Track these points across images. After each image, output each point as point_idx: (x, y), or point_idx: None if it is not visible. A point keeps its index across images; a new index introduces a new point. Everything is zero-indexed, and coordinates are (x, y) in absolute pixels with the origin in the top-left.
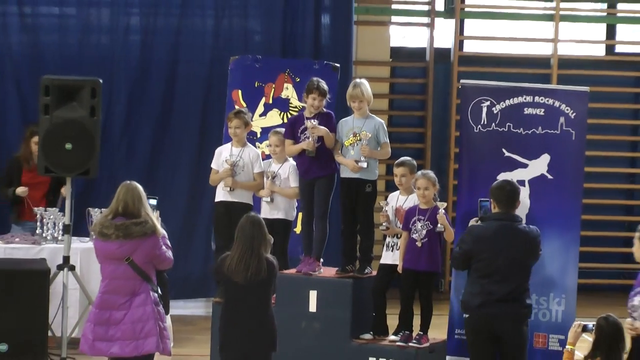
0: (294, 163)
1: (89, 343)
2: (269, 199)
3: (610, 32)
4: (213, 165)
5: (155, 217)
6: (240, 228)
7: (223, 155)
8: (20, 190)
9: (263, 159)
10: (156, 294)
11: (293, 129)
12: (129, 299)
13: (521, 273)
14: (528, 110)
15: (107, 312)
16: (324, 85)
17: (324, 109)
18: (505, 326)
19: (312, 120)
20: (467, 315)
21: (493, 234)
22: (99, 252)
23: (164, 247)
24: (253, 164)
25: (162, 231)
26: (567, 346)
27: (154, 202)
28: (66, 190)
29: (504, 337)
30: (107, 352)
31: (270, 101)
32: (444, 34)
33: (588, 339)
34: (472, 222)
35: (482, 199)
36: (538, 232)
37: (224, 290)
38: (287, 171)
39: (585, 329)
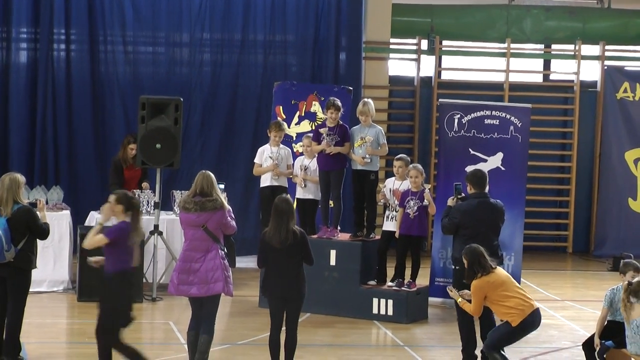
0: None
1: (174, 286)
2: (303, 185)
3: (547, 65)
4: (256, 160)
5: (223, 197)
6: (275, 206)
7: (265, 153)
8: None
9: (296, 156)
10: (223, 252)
11: (318, 135)
12: (204, 254)
13: (495, 235)
14: (487, 121)
15: (188, 264)
16: (338, 102)
17: (340, 121)
18: None
19: (325, 130)
20: (457, 267)
21: (475, 208)
22: (183, 221)
23: (229, 218)
24: (287, 159)
25: (228, 207)
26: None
27: (222, 186)
28: (158, 178)
29: None
30: (188, 292)
31: (303, 114)
32: (427, 66)
33: None
34: (450, 200)
35: (455, 183)
36: (502, 204)
37: (266, 253)
38: (315, 164)
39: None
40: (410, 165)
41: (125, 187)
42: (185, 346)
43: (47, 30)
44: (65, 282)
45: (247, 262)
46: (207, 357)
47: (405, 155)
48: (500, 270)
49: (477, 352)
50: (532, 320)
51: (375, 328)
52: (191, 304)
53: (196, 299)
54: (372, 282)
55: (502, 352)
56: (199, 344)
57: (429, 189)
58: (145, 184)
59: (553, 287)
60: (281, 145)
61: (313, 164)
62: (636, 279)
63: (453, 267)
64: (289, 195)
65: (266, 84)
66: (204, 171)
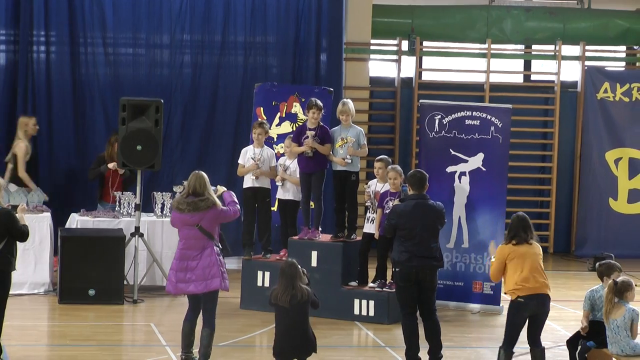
0: None
1: (173, 285)
2: (280, 183)
3: (527, 66)
4: (240, 161)
5: (215, 195)
6: (282, 269)
7: (248, 154)
8: (112, 164)
9: (278, 157)
10: (218, 248)
11: (299, 136)
12: (200, 252)
13: (433, 236)
14: (468, 122)
15: (185, 262)
16: (320, 103)
17: (321, 123)
18: (425, 274)
19: (311, 132)
20: (397, 269)
21: (411, 210)
22: (177, 221)
23: (224, 208)
24: (270, 160)
25: (229, 191)
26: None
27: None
28: (138, 180)
29: (424, 282)
30: (186, 290)
31: (284, 115)
32: (408, 67)
33: None
34: (395, 201)
35: (403, 185)
36: (442, 206)
37: (276, 312)
38: (295, 165)
39: None
40: (389, 167)
41: (105, 184)
42: (167, 348)
43: (27, 32)
44: (46, 284)
45: (227, 264)
46: (210, 350)
47: (386, 157)
48: (532, 247)
49: (422, 355)
50: (525, 303)
51: (356, 329)
52: (189, 299)
53: (194, 296)
54: (354, 283)
55: (507, 348)
56: (201, 338)
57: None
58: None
59: None
60: (265, 146)
61: (293, 165)
62: (620, 278)
63: (393, 269)
64: (294, 260)
65: (247, 86)
66: (196, 171)
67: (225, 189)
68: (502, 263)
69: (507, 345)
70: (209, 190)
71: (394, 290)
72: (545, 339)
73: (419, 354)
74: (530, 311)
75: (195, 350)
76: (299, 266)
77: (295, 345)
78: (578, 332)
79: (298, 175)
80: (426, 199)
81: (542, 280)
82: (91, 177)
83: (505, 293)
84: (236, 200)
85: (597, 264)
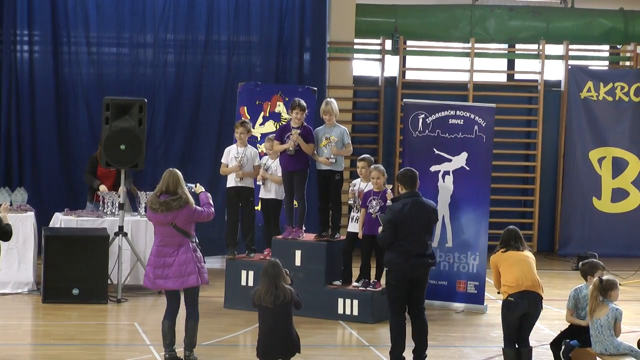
0: None
1: (151, 280)
2: (262, 182)
3: (511, 65)
4: (223, 160)
5: (190, 192)
6: (265, 270)
7: (231, 153)
8: (102, 187)
9: (261, 157)
10: (194, 244)
11: (282, 134)
12: (176, 249)
13: (428, 234)
14: (452, 121)
15: (162, 259)
16: (303, 103)
17: (304, 123)
18: (420, 273)
19: (296, 130)
20: (391, 269)
21: (409, 208)
22: (152, 220)
23: (199, 209)
24: (253, 159)
25: (207, 193)
26: None
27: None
28: (122, 180)
29: (416, 281)
30: (164, 286)
31: (267, 114)
32: (391, 66)
33: None
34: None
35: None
36: (434, 203)
37: (259, 312)
38: (277, 164)
39: None
40: (372, 167)
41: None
42: (151, 347)
43: (10, 31)
44: (30, 283)
45: (211, 263)
46: (196, 341)
47: (368, 156)
48: (522, 254)
49: (406, 354)
50: (516, 302)
51: (340, 328)
52: (166, 296)
53: (172, 291)
54: (337, 283)
55: (513, 345)
56: (186, 329)
57: (391, 189)
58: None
59: None
60: (248, 146)
61: (275, 164)
62: (606, 277)
63: (387, 269)
64: (277, 260)
65: (230, 85)
66: (170, 169)
67: (203, 189)
68: (496, 271)
69: (508, 344)
70: (182, 187)
71: (379, 289)
72: (529, 338)
73: (403, 354)
74: (522, 310)
75: (179, 349)
76: (282, 266)
77: (279, 346)
78: (560, 334)
79: (280, 174)
80: (420, 196)
81: (534, 279)
82: (87, 182)
83: (498, 292)
84: (212, 203)
85: (581, 263)
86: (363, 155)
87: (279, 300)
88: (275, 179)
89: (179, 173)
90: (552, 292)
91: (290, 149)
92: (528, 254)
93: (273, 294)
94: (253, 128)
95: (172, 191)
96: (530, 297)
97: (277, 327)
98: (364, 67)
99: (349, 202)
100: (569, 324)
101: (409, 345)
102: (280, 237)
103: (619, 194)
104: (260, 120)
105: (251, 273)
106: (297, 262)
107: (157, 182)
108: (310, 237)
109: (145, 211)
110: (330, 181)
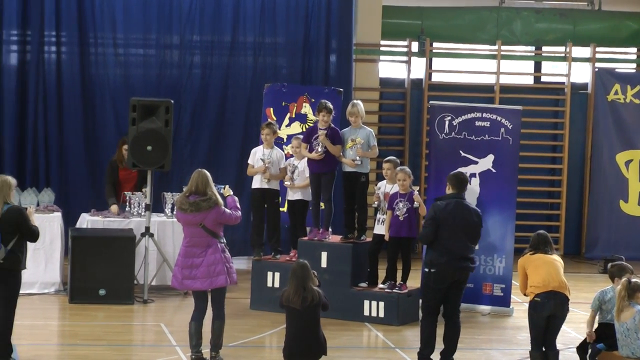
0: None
1: (179, 281)
2: (289, 183)
3: (537, 67)
4: (249, 161)
5: (219, 193)
6: (293, 271)
7: (257, 155)
8: (113, 208)
9: (287, 158)
10: (223, 244)
11: (309, 136)
12: (204, 249)
13: (471, 238)
14: (478, 123)
15: (190, 259)
16: (330, 105)
17: (331, 124)
18: (460, 276)
19: (323, 131)
20: (432, 270)
21: (452, 207)
22: (181, 220)
23: (227, 211)
24: (279, 161)
25: (234, 197)
26: None
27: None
28: (149, 181)
29: (456, 283)
30: (192, 287)
31: (293, 116)
32: (417, 68)
33: None
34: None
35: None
36: (478, 210)
37: (287, 313)
38: (304, 165)
39: None
40: (397, 168)
41: (119, 188)
42: (177, 348)
43: (37, 32)
44: (56, 284)
45: (237, 264)
46: (222, 342)
47: (394, 158)
48: (550, 256)
49: (434, 356)
50: (542, 302)
51: (366, 330)
52: (194, 296)
53: (200, 292)
54: (363, 284)
55: (540, 348)
56: (212, 330)
57: (417, 190)
58: (145, 190)
59: None
60: (275, 148)
61: (302, 165)
62: (634, 279)
63: (427, 270)
64: (305, 262)
65: (256, 86)
66: (199, 169)
67: (231, 192)
68: (523, 273)
69: (535, 347)
70: (211, 188)
71: (405, 292)
72: (556, 341)
73: (432, 355)
74: (549, 311)
75: (205, 350)
76: (310, 268)
77: (305, 348)
78: (585, 339)
79: (307, 175)
80: (464, 199)
81: (561, 280)
82: (107, 195)
83: (525, 294)
84: (239, 207)
85: (610, 265)
86: (389, 157)
87: (307, 302)
88: (302, 185)
89: (208, 174)
90: (578, 295)
91: (317, 154)
92: (556, 257)
93: (301, 296)
94: (279, 129)
95: (202, 192)
96: (556, 297)
97: (305, 329)
98: (390, 69)
99: (373, 205)
100: (591, 325)
101: (439, 347)
102: (306, 238)
103: None
104: (286, 121)
105: (277, 274)
106: (323, 264)
107: (183, 183)
108: (336, 238)
109: (172, 212)
110: (356, 183)
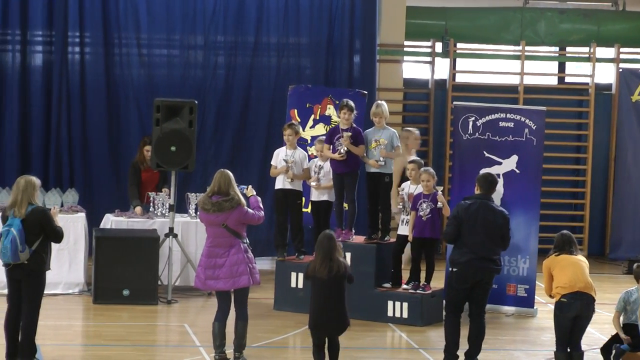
0: None
1: (202, 281)
2: (314, 183)
3: (561, 68)
4: (272, 162)
5: (241, 193)
6: (320, 242)
7: (280, 155)
8: (138, 210)
9: (311, 159)
10: (246, 245)
11: (331, 137)
12: (227, 250)
13: (496, 239)
14: (502, 124)
15: (213, 259)
16: (351, 103)
17: (353, 124)
18: (484, 276)
19: (347, 133)
20: (454, 270)
21: (477, 208)
22: (204, 220)
23: (250, 211)
24: (302, 161)
25: (257, 197)
26: None
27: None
28: (173, 181)
29: (481, 283)
30: (215, 287)
31: (318, 117)
32: (441, 69)
33: None
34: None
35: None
36: (507, 213)
37: (312, 285)
38: (329, 165)
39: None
40: (421, 169)
41: (142, 189)
42: (201, 348)
43: (61, 33)
44: (80, 284)
45: (261, 265)
46: (245, 342)
47: (418, 158)
48: (576, 257)
49: (460, 353)
50: (568, 303)
51: (390, 331)
52: (217, 297)
53: (223, 292)
54: (387, 285)
55: (565, 349)
56: (236, 330)
57: (441, 191)
58: (165, 190)
59: None
60: (298, 148)
61: (327, 165)
62: None
63: (450, 269)
64: (332, 233)
65: (279, 87)
66: (222, 170)
67: (254, 192)
68: (548, 274)
69: (560, 348)
70: (234, 188)
71: (429, 292)
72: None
73: (457, 352)
74: (575, 312)
75: (228, 351)
76: (336, 239)
77: (331, 319)
78: (611, 338)
79: (331, 177)
80: (491, 200)
81: (587, 281)
82: (130, 195)
83: (550, 296)
84: (262, 207)
85: (635, 265)
86: (413, 158)
87: (333, 272)
88: (328, 185)
89: (231, 174)
90: (602, 296)
91: (339, 155)
92: (581, 258)
93: (328, 266)
94: (303, 130)
95: (224, 192)
96: (582, 298)
97: (330, 299)
98: (414, 69)
99: (398, 206)
100: (619, 326)
101: (463, 346)
102: None
103: None
104: (310, 122)
105: (301, 275)
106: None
107: (206, 183)
108: (359, 239)
109: (196, 212)
110: (379, 183)
